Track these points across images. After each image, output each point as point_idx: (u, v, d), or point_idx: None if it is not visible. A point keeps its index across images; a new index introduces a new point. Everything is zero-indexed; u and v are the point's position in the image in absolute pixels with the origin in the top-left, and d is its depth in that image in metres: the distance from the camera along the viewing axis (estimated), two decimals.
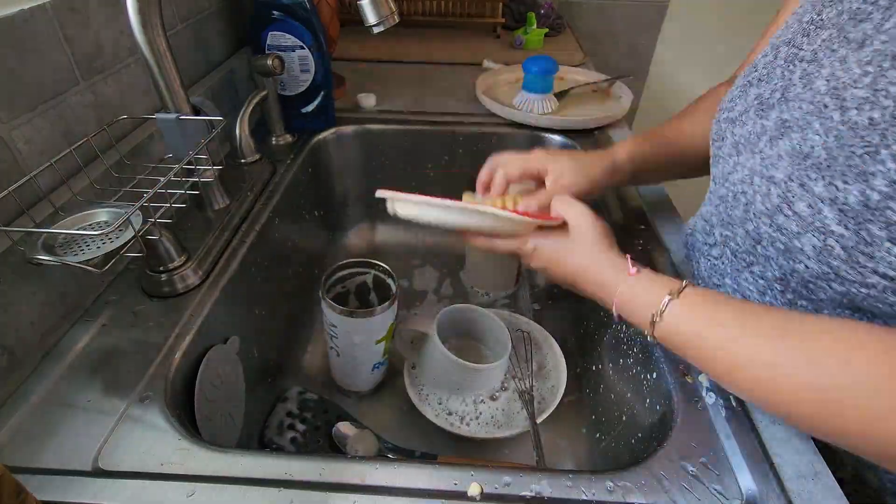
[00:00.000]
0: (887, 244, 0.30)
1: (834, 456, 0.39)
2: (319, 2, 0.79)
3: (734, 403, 0.41)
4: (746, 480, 0.36)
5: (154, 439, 0.38)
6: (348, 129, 0.83)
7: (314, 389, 0.62)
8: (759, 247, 0.40)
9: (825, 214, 0.33)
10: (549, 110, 0.83)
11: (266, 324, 0.62)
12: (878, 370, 0.28)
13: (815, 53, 0.36)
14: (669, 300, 0.37)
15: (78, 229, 0.43)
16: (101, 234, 0.41)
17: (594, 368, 0.63)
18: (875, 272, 0.31)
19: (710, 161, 0.48)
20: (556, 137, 0.82)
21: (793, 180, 0.35)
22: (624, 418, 0.52)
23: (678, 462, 0.37)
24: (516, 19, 1.23)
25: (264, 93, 0.71)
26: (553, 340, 0.67)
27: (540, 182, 0.55)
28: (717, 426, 0.40)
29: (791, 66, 0.38)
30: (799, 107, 0.36)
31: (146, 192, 0.42)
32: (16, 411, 0.39)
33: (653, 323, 0.38)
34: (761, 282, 0.42)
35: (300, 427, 0.57)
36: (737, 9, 1.42)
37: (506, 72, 0.97)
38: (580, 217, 0.46)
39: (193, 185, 0.53)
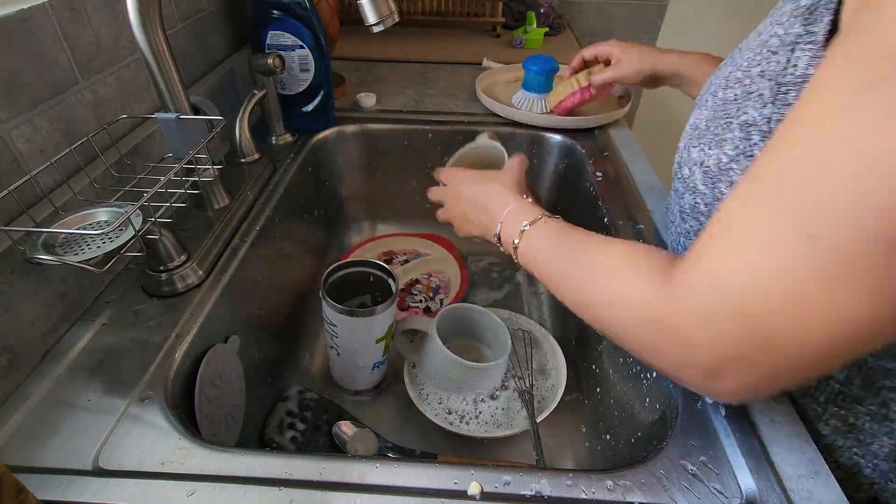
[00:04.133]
0: (717, 211, 0.33)
1: (851, 481, 0.41)
2: (319, 1, 0.79)
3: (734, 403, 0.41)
4: (746, 480, 0.36)
5: (154, 438, 0.38)
6: (348, 128, 0.83)
7: (314, 389, 0.62)
8: (675, 208, 0.47)
9: (696, 176, 0.39)
10: (549, 109, 0.83)
11: (266, 323, 0.62)
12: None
13: (740, 48, 0.41)
14: (526, 225, 0.43)
15: (78, 229, 0.43)
16: (102, 233, 0.41)
17: (594, 368, 0.63)
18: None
19: None
20: (556, 137, 0.82)
21: (685, 148, 0.41)
22: (624, 418, 0.52)
23: (678, 461, 0.37)
24: (516, 19, 1.23)
25: (264, 93, 0.71)
26: (553, 340, 0.67)
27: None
28: (717, 426, 0.40)
29: (730, 57, 0.44)
30: (707, 88, 0.42)
31: (146, 192, 0.42)
32: (16, 411, 0.39)
33: (515, 247, 0.44)
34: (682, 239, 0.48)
35: (300, 426, 0.57)
36: (736, 9, 1.42)
37: (505, 71, 0.97)
38: (509, 170, 0.52)
39: (193, 185, 0.53)
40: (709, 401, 0.41)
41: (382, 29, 0.41)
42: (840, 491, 0.35)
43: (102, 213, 0.45)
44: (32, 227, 0.41)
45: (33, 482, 0.34)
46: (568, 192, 0.82)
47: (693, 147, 0.40)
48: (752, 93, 0.35)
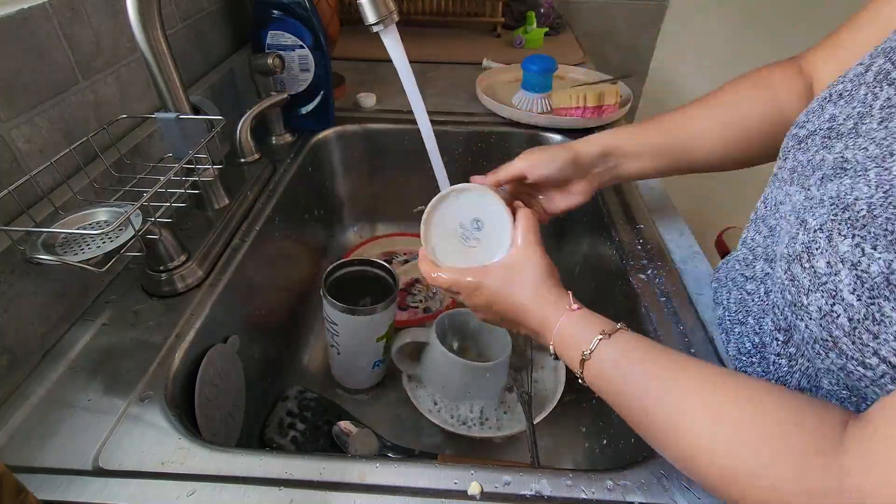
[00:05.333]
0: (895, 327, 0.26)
1: None
2: (319, 1, 0.79)
3: None
4: None
5: (154, 438, 0.38)
6: (348, 128, 0.83)
7: (314, 389, 0.62)
8: (767, 288, 0.37)
9: (841, 277, 0.28)
10: (549, 109, 0.83)
11: (266, 323, 0.62)
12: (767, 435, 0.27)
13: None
14: (600, 340, 0.36)
15: (78, 229, 0.43)
16: (101, 233, 0.41)
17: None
18: (876, 353, 0.27)
19: (770, 179, 0.43)
20: (556, 136, 0.82)
21: (822, 231, 0.30)
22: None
23: None
24: (516, 19, 1.23)
25: (277, 99, 0.70)
26: None
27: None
28: None
29: (877, 90, 0.32)
30: (865, 147, 0.30)
31: (146, 192, 0.42)
32: (16, 411, 0.39)
33: (582, 362, 0.36)
34: (770, 328, 0.39)
35: (300, 426, 0.57)
36: (737, 9, 1.42)
37: (505, 71, 0.97)
38: (529, 250, 0.42)
39: (193, 185, 0.53)
40: None
41: (383, 29, 0.41)
42: None
43: (102, 213, 0.45)
44: (32, 227, 0.41)
45: (33, 482, 0.34)
46: None
47: (841, 236, 0.29)
48: None
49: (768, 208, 0.41)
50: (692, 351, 0.46)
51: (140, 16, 0.46)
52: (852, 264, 0.28)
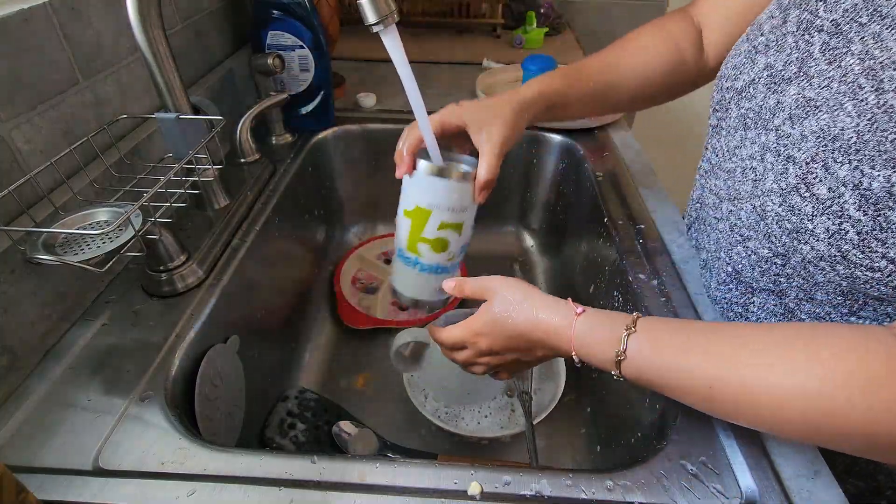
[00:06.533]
0: None
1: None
2: (319, 1, 0.79)
3: None
4: (746, 480, 0.36)
5: (154, 438, 0.38)
6: (348, 128, 0.83)
7: (314, 389, 0.62)
8: (762, 223, 0.39)
9: (846, 199, 0.32)
10: None
11: (266, 323, 0.62)
12: (847, 367, 0.29)
13: (838, 25, 0.34)
14: (628, 335, 0.36)
15: (78, 229, 0.43)
16: (102, 233, 0.41)
17: (594, 368, 0.63)
18: (884, 257, 0.31)
19: (709, 130, 0.48)
20: (556, 137, 0.82)
21: (815, 162, 0.33)
22: (624, 418, 0.52)
23: (678, 461, 0.37)
24: (516, 19, 1.23)
25: (277, 99, 0.70)
26: None
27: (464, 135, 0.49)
28: (717, 425, 0.40)
29: (807, 36, 0.36)
30: (827, 85, 0.34)
31: (146, 192, 0.42)
32: (16, 410, 0.39)
33: (618, 361, 0.37)
34: (753, 257, 0.42)
35: (300, 426, 0.57)
36: None
37: (505, 71, 0.97)
38: (493, 282, 0.44)
39: (193, 185, 0.53)
40: None
41: (383, 29, 0.41)
42: (840, 491, 0.35)
43: (102, 213, 0.45)
44: (32, 227, 0.41)
45: (33, 482, 0.34)
46: (568, 192, 0.82)
47: (837, 163, 0.32)
48: None
49: (720, 156, 0.45)
50: None
51: (140, 16, 0.46)
52: (854, 185, 0.31)
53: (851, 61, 0.33)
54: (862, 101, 0.31)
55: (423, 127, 0.45)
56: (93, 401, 0.40)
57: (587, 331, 0.38)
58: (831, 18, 0.35)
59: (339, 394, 0.67)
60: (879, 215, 0.31)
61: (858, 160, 0.31)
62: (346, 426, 0.57)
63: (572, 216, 0.81)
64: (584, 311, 0.39)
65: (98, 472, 0.36)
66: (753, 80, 0.41)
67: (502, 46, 1.16)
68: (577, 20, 1.43)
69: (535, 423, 0.57)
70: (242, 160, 0.69)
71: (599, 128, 0.82)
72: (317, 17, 0.71)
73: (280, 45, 0.71)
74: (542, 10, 1.20)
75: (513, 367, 0.46)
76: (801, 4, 0.38)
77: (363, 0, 0.40)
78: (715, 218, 0.47)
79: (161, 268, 0.49)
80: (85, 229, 0.43)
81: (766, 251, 0.40)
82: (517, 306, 0.41)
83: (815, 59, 0.35)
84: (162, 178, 0.45)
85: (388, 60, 0.43)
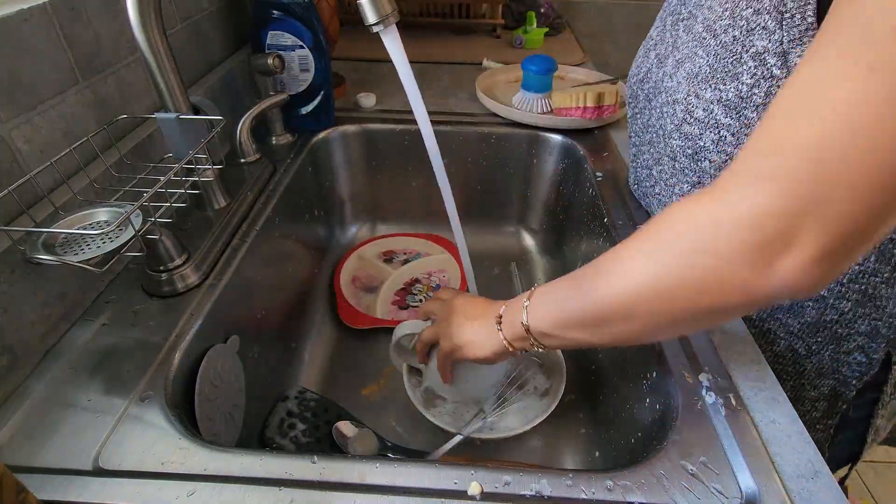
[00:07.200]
0: (758, 122, 0.33)
1: (869, 346, 0.49)
2: (319, 1, 0.79)
3: (734, 403, 0.41)
4: (746, 480, 0.36)
5: (154, 438, 0.38)
6: (348, 128, 0.83)
7: (314, 389, 0.62)
8: (676, 164, 0.51)
9: (716, 113, 0.44)
10: (549, 109, 0.83)
11: (266, 323, 0.62)
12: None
13: (691, 12, 0.49)
14: (526, 300, 0.42)
15: (78, 229, 0.43)
16: (101, 233, 0.41)
17: (594, 368, 0.63)
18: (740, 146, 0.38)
19: (629, 122, 0.62)
20: (556, 137, 0.82)
21: (690, 95, 0.46)
22: (624, 418, 0.52)
23: (678, 461, 0.37)
24: (516, 19, 1.23)
25: (277, 99, 0.70)
26: None
27: None
28: (717, 425, 0.40)
29: (675, 26, 0.52)
30: (687, 45, 0.48)
31: (146, 192, 0.42)
32: (16, 410, 0.39)
33: (526, 328, 0.41)
34: (680, 196, 0.50)
35: (300, 426, 0.57)
36: None
37: (505, 71, 0.97)
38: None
39: (193, 185, 0.53)
40: (709, 401, 0.41)
41: (383, 29, 0.41)
42: (840, 491, 0.35)
43: (102, 213, 0.45)
44: (32, 227, 0.41)
45: (33, 482, 0.34)
46: (568, 192, 0.82)
47: (702, 89, 0.44)
48: (751, 29, 0.40)
49: (642, 133, 0.59)
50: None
51: (140, 16, 0.46)
52: (717, 100, 0.44)
53: (698, 27, 0.47)
54: (707, 45, 0.45)
55: (427, 136, 0.52)
56: (93, 401, 0.40)
57: (507, 314, 0.44)
58: (688, 10, 0.50)
59: (339, 394, 0.67)
60: (740, 116, 0.42)
61: (715, 82, 0.43)
62: (345, 426, 0.57)
63: (572, 216, 0.81)
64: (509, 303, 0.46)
65: (98, 472, 0.36)
66: (649, 68, 0.55)
67: (502, 46, 1.16)
68: (577, 20, 1.43)
69: (535, 423, 0.57)
70: (242, 160, 0.69)
71: (599, 128, 0.82)
72: (317, 17, 0.71)
73: (280, 45, 0.71)
74: (542, 10, 1.20)
75: (444, 321, 0.50)
76: (673, 12, 0.54)
77: (363, 0, 0.40)
78: (650, 186, 0.58)
79: (161, 268, 0.49)
80: (85, 229, 0.43)
81: (686, 185, 0.51)
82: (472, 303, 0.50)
83: (680, 38, 0.50)
84: (162, 178, 0.45)
85: (388, 60, 0.43)
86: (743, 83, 0.41)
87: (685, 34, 0.49)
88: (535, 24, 1.16)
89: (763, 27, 0.40)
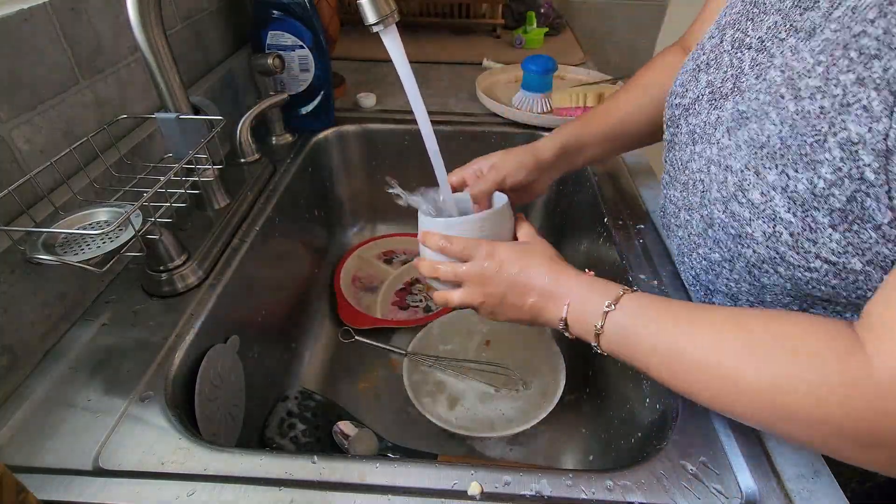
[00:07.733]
0: (829, 230, 0.31)
1: None
2: (319, 1, 0.79)
3: None
4: (746, 480, 0.36)
5: (154, 438, 0.38)
6: (348, 128, 0.83)
7: (314, 389, 0.62)
8: (710, 230, 0.42)
9: (776, 202, 0.34)
10: (549, 109, 0.83)
11: (266, 323, 0.62)
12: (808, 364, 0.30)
13: (763, 42, 0.38)
14: (610, 305, 0.38)
15: (78, 229, 0.43)
16: (101, 233, 0.41)
17: (594, 368, 0.63)
18: (818, 257, 0.32)
19: (665, 145, 0.51)
20: None
21: (748, 169, 0.36)
22: (624, 418, 0.52)
23: (678, 461, 0.37)
24: (516, 19, 1.23)
25: (277, 99, 0.70)
26: (553, 340, 0.67)
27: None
28: (717, 426, 0.40)
29: (739, 54, 0.40)
30: (756, 97, 0.36)
31: (146, 192, 0.42)
32: (16, 410, 0.39)
33: (597, 335, 0.39)
34: (705, 262, 0.44)
35: (300, 426, 0.57)
36: None
37: (505, 71, 0.97)
38: (537, 237, 0.48)
39: (193, 185, 0.53)
40: None
41: (383, 29, 0.41)
42: (840, 491, 0.35)
43: (102, 213, 0.45)
44: (32, 227, 0.41)
45: (33, 482, 0.34)
46: (568, 193, 0.82)
47: (766, 168, 0.34)
48: (847, 104, 0.29)
49: (676, 169, 0.47)
50: None
51: (140, 16, 0.46)
52: (782, 188, 0.33)
53: (774, 74, 0.35)
54: (783, 108, 0.33)
55: (427, 136, 0.50)
56: (93, 401, 0.40)
57: (579, 299, 0.41)
58: (757, 36, 0.39)
59: (339, 394, 0.67)
60: (807, 216, 0.32)
61: (784, 164, 0.33)
62: (345, 426, 0.57)
63: (572, 216, 0.81)
64: (587, 275, 0.42)
65: (98, 472, 0.36)
66: (698, 97, 0.44)
67: (502, 46, 1.16)
68: (577, 20, 1.43)
69: (535, 422, 0.57)
70: (242, 160, 0.69)
71: None
72: (317, 17, 0.71)
73: (280, 45, 0.71)
74: (542, 10, 1.20)
75: (495, 303, 0.45)
76: (734, 24, 0.42)
77: (363, 0, 0.40)
78: (675, 225, 0.50)
79: (161, 268, 0.49)
80: (85, 229, 0.43)
81: (716, 256, 0.42)
82: (538, 256, 0.44)
83: (745, 75, 0.39)
84: (162, 178, 0.45)
85: (388, 60, 0.43)
86: (821, 177, 0.31)
87: (752, 73, 0.38)
88: (535, 24, 1.16)
89: (864, 106, 0.28)
